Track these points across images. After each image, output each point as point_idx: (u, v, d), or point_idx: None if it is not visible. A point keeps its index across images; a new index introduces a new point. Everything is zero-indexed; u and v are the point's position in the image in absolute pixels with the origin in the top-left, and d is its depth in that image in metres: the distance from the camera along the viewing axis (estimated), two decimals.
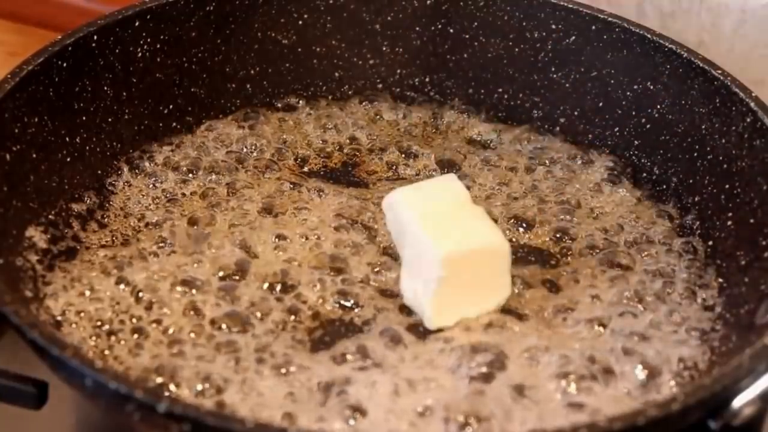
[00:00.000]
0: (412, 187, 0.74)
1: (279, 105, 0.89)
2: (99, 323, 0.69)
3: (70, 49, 0.77)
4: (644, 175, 0.83)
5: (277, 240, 0.76)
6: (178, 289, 0.71)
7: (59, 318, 0.68)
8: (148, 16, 0.82)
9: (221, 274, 0.73)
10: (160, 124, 0.84)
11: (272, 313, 0.70)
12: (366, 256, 0.75)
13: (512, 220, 0.79)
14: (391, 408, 0.64)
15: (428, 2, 0.89)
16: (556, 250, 0.77)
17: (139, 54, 0.82)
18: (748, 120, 0.75)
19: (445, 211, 0.71)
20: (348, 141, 0.87)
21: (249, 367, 0.66)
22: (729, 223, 0.75)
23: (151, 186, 0.80)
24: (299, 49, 0.89)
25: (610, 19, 0.84)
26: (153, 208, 0.79)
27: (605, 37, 0.84)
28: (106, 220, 0.77)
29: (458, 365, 0.67)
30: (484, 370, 0.67)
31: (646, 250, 0.77)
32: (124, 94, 0.81)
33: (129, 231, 0.77)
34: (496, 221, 0.78)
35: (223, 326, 0.69)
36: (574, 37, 0.86)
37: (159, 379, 0.65)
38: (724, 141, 0.78)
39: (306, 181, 0.82)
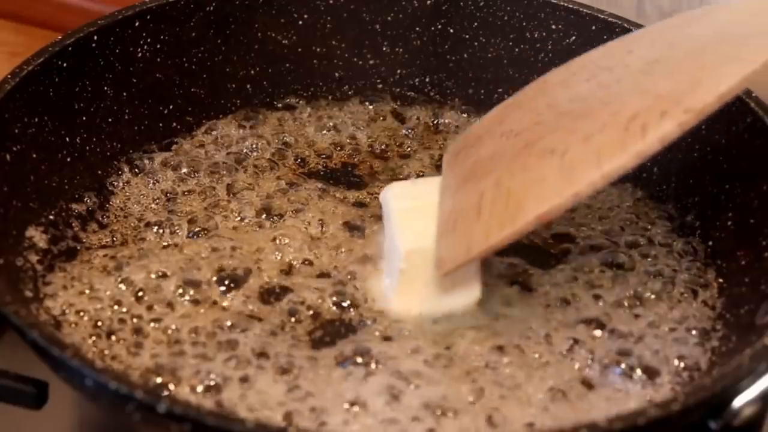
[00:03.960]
0: (410, 182, 0.75)
1: (279, 105, 0.89)
2: (99, 323, 0.69)
3: (70, 49, 0.77)
4: (644, 175, 0.83)
5: (276, 240, 0.76)
6: (178, 289, 0.71)
7: (59, 318, 0.68)
8: (148, 16, 0.82)
9: (221, 274, 0.73)
10: (160, 124, 0.84)
11: (272, 313, 0.70)
12: (365, 256, 0.75)
13: None
14: (392, 406, 0.64)
15: (428, 2, 0.89)
16: (556, 251, 0.77)
17: (139, 54, 0.82)
18: (748, 120, 0.75)
19: (430, 209, 0.71)
20: (348, 141, 0.87)
21: (249, 367, 0.66)
22: (729, 223, 0.75)
23: (151, 186, 0.80)
24: (299, 49, 0.89)
25: (610, 19, 0.85)
26: (153, 208, 0.79)
27: (605, 37, 0.84)
28: (106, 220, 0.77)
29: (459, 364, 0.67)
30: (483, 367, 0.67)
31: (646, 250, 0.77)
32: (124, 94, 0.81)
33: (129, 231, 0.77)
34: None
35: (223, 326, 0.69)
36: (574, 37, 0.86)
37: (159, 379, 0.65)
38: (724, 141, 0.78)
39: (306, 182, 0.82)
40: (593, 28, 0.85)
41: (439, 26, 0.90)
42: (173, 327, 0.69)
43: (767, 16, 0.64)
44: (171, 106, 0.85)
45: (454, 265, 0.67)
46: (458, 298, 0.71)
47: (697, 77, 0.61)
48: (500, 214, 0.64)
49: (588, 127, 0.63)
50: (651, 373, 0.68)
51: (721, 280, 0.74)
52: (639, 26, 0.83)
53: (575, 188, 0.61)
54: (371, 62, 0.91)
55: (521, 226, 0.63)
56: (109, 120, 0.81)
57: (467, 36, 0.89)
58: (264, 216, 0.78)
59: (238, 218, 0.78)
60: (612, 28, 0.84)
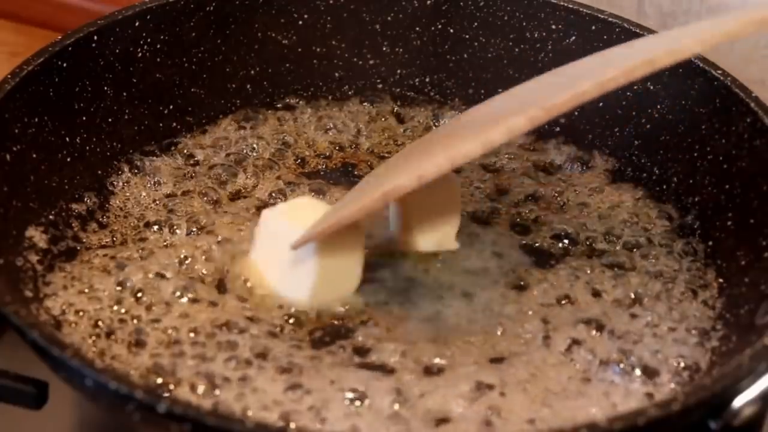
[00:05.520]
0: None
1: (279, 105, 0.89)
2: (99, 323, 0.69)
3: (70, 49, 0.77)
4: (644, 175, 0.83)
5: None
6: (178, 289, 0.71)
7: (59, 318, 0.69)
8: (148, 16, 0.82)
9: (221, 274, 0.73)
10: (160, 124, 0.84)
11: (272, 314, 0.70)
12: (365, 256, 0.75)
13: (513, 221, 0.79)
14: (393, 405, 0.64)
15: (428, 2, 0.89)
16: (556, 251, 0.77)
17: (139, 54, 0.82)
18: (748, 120, 0.75)
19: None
20: (348, 141, 0.87)
21: (249, 367, 0.66)
22: (729, 223, 0.75)
23: (151, 186, 0.80)
24: (299, 49, 0.89)
25: (610, 19, 0.85)
26: (153, 208, 0.79)
27: (605, 37, 0.84)
28: (106, 220, 0.77)
29: (459, 363, 0.67)
30: (483, 367, 0.67)
31: (647, 250, 0.77)
32: (124, 94, 0.82)
33: (129, 231, 0.77)
34: (494, 223, 0.78)
35: (223, 326, 0.69)
36: (574, 37, 0.86)
37: (159, 379, 0.65)
38: (724, 141, 0.78)
39: (306, 182, 0.82)
40: (593, 28, 0.85)
41: (439, 26, 0.90)
42: (173, 327, 0.69)
43: (643, 46, 0.71)
44: (171, 106, 0.85)
45: (302, 240, 0.69)
46: (286, 284, 0.71)
47: (565, 86, 0.66)
48: (358, 198, 0.69)
49: (466, 130, 0.69)
50: (651, 373, 0.68)
51: (721, 280, 0.74)
52: (639, 26, 0.84)
53: (420, 170, 0.65)
54: (371, 62, 0.91)
55: (367, 201, 0.67)
56: (109, 120, 0.81)
57: (467, 36, 0.89)
58: None
59: (238, 218, 0.78)
60: (612, 28, 0.84)
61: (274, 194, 0.80)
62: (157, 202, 0.79)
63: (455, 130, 0.72)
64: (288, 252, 0.69)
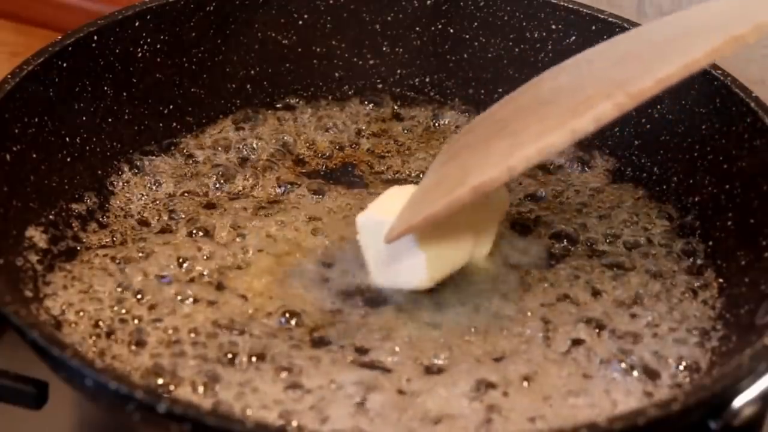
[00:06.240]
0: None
1: (279, 105, 0.89)
2: (99, 323, 0.69)
3: (70, 49, 0.77)
4: (644, 175, 0.83)
5: (276, 240, 0.76)
6: (178, 289, 0.71)
7: (59, 318, 0.69)
8: (148, 16, 0.82)
9: (221, 274, 0.73)
10: (160, 124, 0.84)
11: (272, 314, 0.70)
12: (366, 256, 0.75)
13: (513, 221, 0.79)
14: (393, 405, 0.64)
15: (428, 2, 0.89)
16: (556, 251, 0.77)
17: (139, 54, 0.82)
18: (748, 120, 0.75)
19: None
20: (348, 141, 0.87)
21: (249, 367, 0.66)
22: (729, 223, 0.75)
23: (151, 186, 0.80)
24: (299, 49, 0.89)
25: (610, 19, 0.85)
26: (153, 208, 0.79)
27: (605, 37, 0.84)
28: (106, 220, 0.77)
29: (459, 362, 0.67)
30: (483, 366, 0.67)
31: (646, 250, 0.77)
32: (124, 94, 0.82)
33: (129, 231, 0.77)
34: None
35: (223, 326, 0.69)
36: (574, 37, 0.86)
37: (159, 380, 0.65)
38: (724, 141, 0.78)
39: (306, 182, 0.82)
40: (593, 28, 0.85)
41: (439, 26, 0.90)
42: (173, 327, 0.69)
43: (722, 16, 0.67)
44: (171, 106, 0.85)
45: (395, 234, 0.68)
46: (404, 276, 0.71)
47: (647, 66, 0.64)
48: (446, 188, 0.66)
49: (549, 111, 0.66)
50: (651, 373, 0.68)
51: (721, 280, 0.74)
52: (639, 26, 0.84)
53: (510, 162, 0.63)
54: (371, 62, 0.91)
55: (457, 197, 0.65)
56: (109, 120, 0.81)
57: (467, 36, 0.90)
58: (263, 216, 0.78)
59: (238, 218, 0.78)
60: (612, 28, 0.84)
61: (273, 194, 0.80)
62: (157, 202, 0.79)
63: (535, 109, 0.68)
64: (392, 247, 0.69)
